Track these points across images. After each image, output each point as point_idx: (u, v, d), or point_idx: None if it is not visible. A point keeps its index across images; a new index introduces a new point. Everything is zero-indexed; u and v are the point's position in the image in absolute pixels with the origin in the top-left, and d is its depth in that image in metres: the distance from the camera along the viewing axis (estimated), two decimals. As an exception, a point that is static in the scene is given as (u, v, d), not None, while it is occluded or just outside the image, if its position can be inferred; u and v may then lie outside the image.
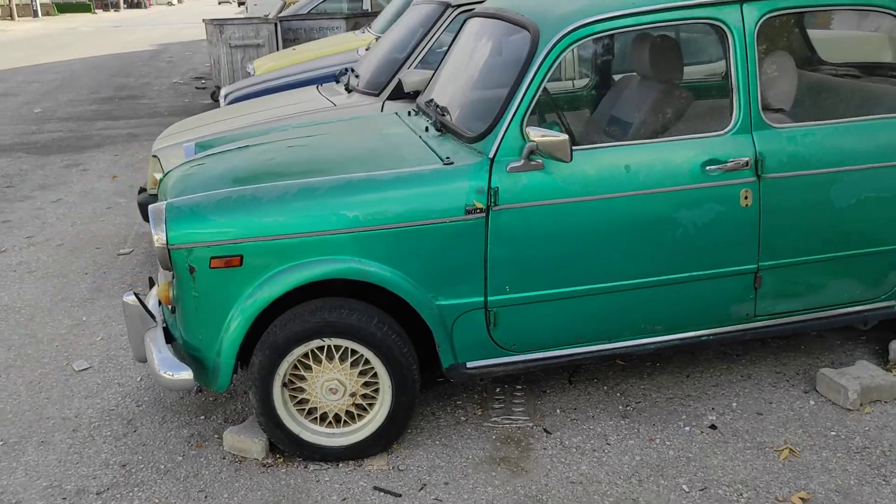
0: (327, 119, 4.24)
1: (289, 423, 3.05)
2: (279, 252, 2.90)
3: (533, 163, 2.95)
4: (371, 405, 3.09)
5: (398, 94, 4.79)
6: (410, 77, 4.72)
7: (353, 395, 3.06)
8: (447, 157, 3.02)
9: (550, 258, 3.04)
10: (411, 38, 5.10)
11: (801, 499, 2.78)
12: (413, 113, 3.80)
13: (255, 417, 3.07)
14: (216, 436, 3.32)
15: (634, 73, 3.73)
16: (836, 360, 3.65)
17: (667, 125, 3.36)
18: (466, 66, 3.67)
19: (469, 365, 3.11)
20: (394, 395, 3.04)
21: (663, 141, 3.10)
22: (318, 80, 6.33)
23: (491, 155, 2.98)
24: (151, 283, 3.86)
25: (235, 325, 2.92)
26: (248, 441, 3.15)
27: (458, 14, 4.88)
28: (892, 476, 2.88)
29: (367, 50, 7.19)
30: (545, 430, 3.25)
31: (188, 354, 3.05)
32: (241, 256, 2.89)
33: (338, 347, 3.00)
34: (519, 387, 3.56)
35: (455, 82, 3.66)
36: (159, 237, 2.87)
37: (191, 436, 3.34)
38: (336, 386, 3.03)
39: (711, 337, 3.28)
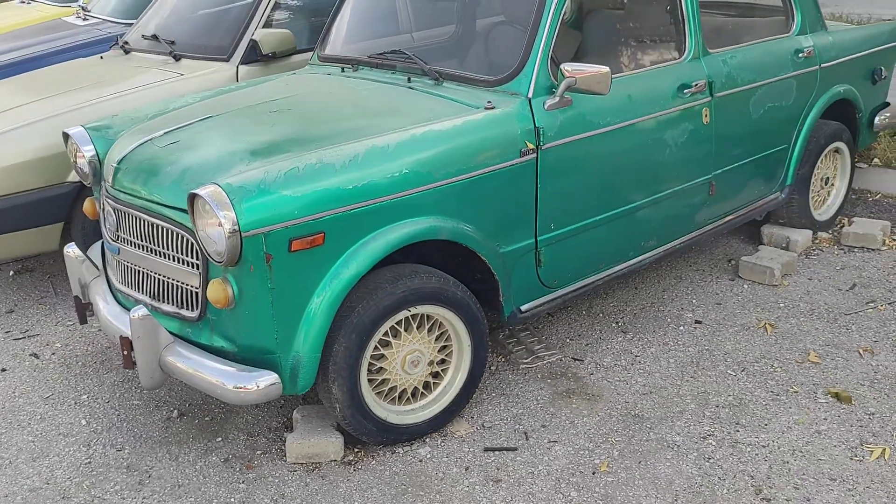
0: (220, 89, 3.70)
1: (376, 409, 2.77)
2: (362, 221, 2.60)
3: (565, 99, 3.01)
4: (444, 370, 2.93)
5: (252, 56, 4.34)
6: (268, 37, 4.30)
7: (430, 363, 2.87)
8: (488, 102, 2.94)
9: (584, 189, 3.15)
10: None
11: (817, 356, 3.33)
12: (351, 69, 3.52)
13: (338, 413, 2.71)
14: (259, 452, 2.87)
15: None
16: (728, 253, 4.30)
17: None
18: (420, 11, 3.52)
19: (523, 308, 3.11)
20: (473, 354, 2.93)
21: (649, 70, 3.37)
22: (53, 56, 5.43)
23: (529, 95, 2.97)
24: (79, 302, 3.12)
25: (320, 313, 2.56)
26: (322, 443, 2.78)
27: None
28: (850, 325, 3.57)
29: (83, 19, 6.29)
30: (575, 359, 3.38)
31: (249, 360, 2.59)
32: (324, 233, 2.53)
33: (414, 316, 2.79)
34: (520, 328, 3.61)
35: (404, 29, 3.50)
36: (226, 224, 2.38)
37: (226, 461, 2.84)
38: (417, 357, 2.82)
39: (682, 245, 3.68)
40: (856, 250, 4.28)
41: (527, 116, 2.94)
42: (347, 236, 2.58)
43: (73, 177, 3.89)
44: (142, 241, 2.77)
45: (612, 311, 3.75)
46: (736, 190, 3.84)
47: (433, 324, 2.85)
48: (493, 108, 2.92)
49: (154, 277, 2.77)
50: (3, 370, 3.49)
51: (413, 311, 2.75)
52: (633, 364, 3.33)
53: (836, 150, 4.40)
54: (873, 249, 4.27)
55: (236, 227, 2.39)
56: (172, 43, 4.54)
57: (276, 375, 2.53)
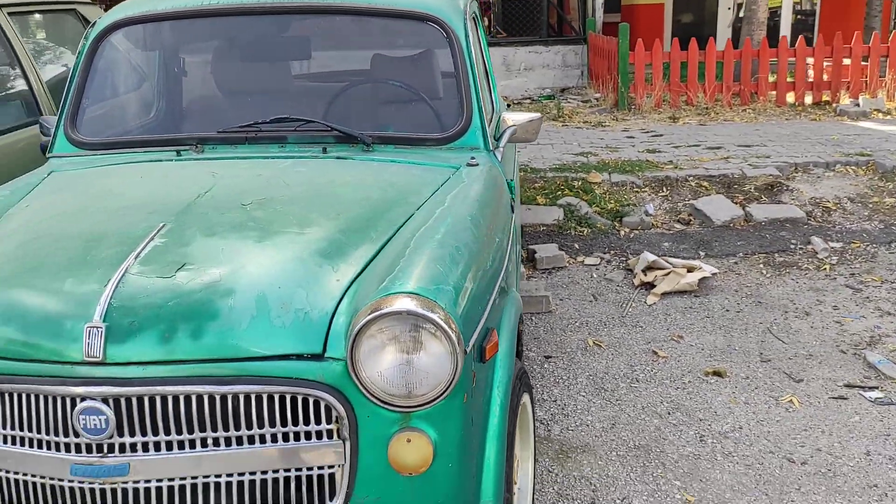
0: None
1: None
2: (501, 303, 2.08)
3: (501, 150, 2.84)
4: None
5: None
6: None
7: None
8: (471, 158, 2.58)
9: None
10: None
11: (662, 352, 3.77)
12: (192, 150, 2.61)
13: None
14: None
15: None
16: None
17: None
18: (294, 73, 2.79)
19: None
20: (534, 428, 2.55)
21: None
22: None
23: (491, 147, 2.71)
24: None
25: (499, 441, 1.96)
26: None
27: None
28: (638, 323, 4.11)
29: None
30: None
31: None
32: (496, 329, 1.96)
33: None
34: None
35: (294, 97, 2.78)
36: (452, 337, 1.66)
37: None
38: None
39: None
40: (552, 271, 4.90)
41: (501, 169, 2.69)
42: (500, 324, 2.04)
43: None
44: (193, 432, 1.67)
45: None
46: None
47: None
48: (477, 164, 2.58)
49: (226, 484, 1.70)
50: None
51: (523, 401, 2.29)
52: (565, 408, 3.29)
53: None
54: (563, 267, 4.95)
55: (459, 345, 1.68)
56: None
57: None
